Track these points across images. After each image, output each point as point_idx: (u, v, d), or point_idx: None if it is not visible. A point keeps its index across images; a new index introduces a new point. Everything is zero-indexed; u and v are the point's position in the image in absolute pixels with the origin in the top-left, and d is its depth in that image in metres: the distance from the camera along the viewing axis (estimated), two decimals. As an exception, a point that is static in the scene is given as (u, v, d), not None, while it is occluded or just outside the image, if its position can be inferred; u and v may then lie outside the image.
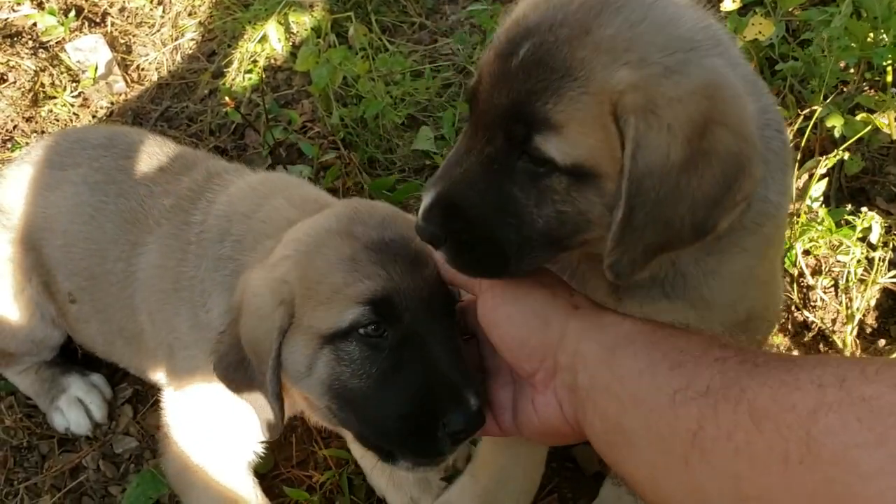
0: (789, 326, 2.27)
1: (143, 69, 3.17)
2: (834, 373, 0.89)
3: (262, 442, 1.87)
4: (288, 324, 1.39)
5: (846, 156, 2.33)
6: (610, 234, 1.18)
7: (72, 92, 3.06)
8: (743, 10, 2.75)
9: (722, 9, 2.65)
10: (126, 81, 3.09)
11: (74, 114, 3.01)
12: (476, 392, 1.34)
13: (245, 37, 3.12)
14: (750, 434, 0.91)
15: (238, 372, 1.47)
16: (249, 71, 3.01)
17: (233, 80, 3.00)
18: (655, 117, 1.12)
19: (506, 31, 1.23)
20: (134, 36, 3.27)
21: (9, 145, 2.93)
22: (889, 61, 2.50)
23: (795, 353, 2.21)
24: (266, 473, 2.02)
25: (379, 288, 1.34)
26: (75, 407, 2.19)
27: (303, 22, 3.09)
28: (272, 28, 3.02)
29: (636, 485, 1.15)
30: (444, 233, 1.24)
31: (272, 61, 3.08)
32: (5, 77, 3.10)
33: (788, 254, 2.34)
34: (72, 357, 2.27)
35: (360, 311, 1.34)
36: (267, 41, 3.04)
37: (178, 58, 3.18)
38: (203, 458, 1.82)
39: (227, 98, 2.70)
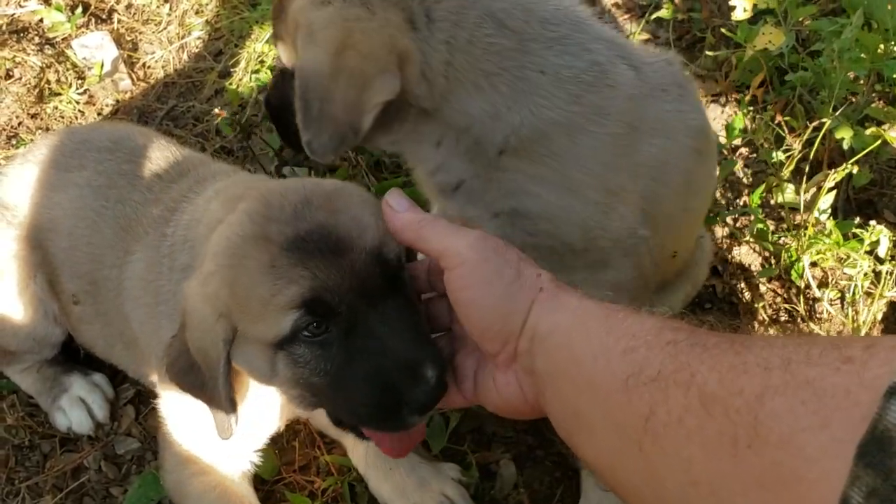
0: (795, 338, 2.26)
1: (149, 67, 3.15)
2: (780, 354, 0.89)
3: (260, 449, 1.88)
4: (232, 335, 1.37)
5: (855, 169, 2.32)
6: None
7: (77, 89, 3.05)
8: (753, 20, 2.74)
9: (733, 18, 2.64)
10: (132, 79, 3.08)
11: (80, 111, 3.00)
12: (433, 361, 1.33)
13: (252, 36, 3.11)
14: (700, 419, 0.92)
15: (189, 376, 1.47)
16: (256, 71, 3.00)
17: (239, 80, 2.99)
18: (311, 37, 1.58)
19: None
20: (140, 33, 3.26)
21: (13, 142, 2.92)
22: (901, 73, 2.49)
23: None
24: (268, 479, 2.00)
25: (305, 289, 1.30)
26: (77, 406, 2.18)
27: (311, 22, 3.08)
28: (280, 28, 3.00)
29: (596, 469, 1.16)
30: None
31: (279, 62, 3.06)
32: (11, 73, 3.10)
33: (795, 265, 2.34)
34: (74, 356, 2.26)
35: (294, 316, 1.31)
36: (274, 41, 3.02)
37: (185, 56, 3.17)
38: (200, 466, 1.81)
39: (217, 109, 2.68)
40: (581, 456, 1.20)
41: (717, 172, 2.08)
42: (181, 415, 1.79)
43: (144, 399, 2.22)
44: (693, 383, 0.94)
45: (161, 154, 2.02)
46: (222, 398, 1.42)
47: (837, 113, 2.42)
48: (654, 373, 1.00)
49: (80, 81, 3.07)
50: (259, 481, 1.99)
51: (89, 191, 1.97)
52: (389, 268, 1.37)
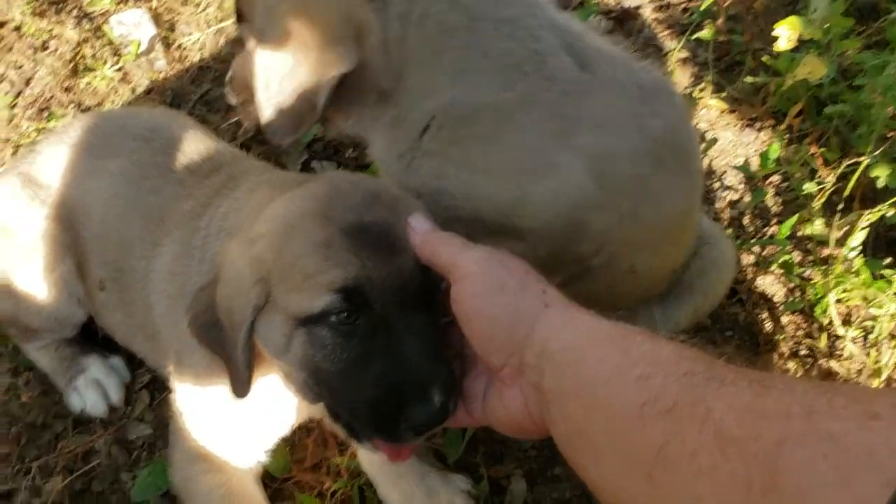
0: (814, 374, 2.25)
1: (185, 49, 3.14)
2: (801, 402, 0.87)
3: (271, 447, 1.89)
4: (264, 301, 1.38)
5: (890, 211, 2.30)
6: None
7: (112, 66, 3.04)
8: (796, 49, 2.71)
9: (775, 48, 2.61)
10: (167, 60, 3.08)
11: (113, 88, 3.00)
12: (443, 386, 1.33)
13: (290, 26, 3.09)
14: (714, 457, 0.91)
15: (210, 332, 1.49)
16: (292, 61, 2.98)
17: (274, 69, 2.98)
18: (269, 11, 1.56)
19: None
20: (178, 14, 3.25)
21: (45, 114, 2.92)
22: (943, 114, 2.46)
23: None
24: (278, 477, 2.01)
25: (350, 276, 1.32)
26: (93, 388, 2.19)
27: (349, 16, 3.06)
28: (318, 20, 2.99)
29: (597, 491, 1.14)
30: None
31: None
32: (47, 45, 3.09)
33: (820, 302, 2.32)
34: (92, 337, 2.26)
35: (330, 298, 1.32)
36: (312, 32, 3.01)
37: (222, 41, 3.16)
38: (208, 464, 1.82)
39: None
40: (583, 477, 1.18)
41: (697, 192, 1.95)
42: (195, 408, 1.79)
43: (159, 385, 2.23)
44: (709, 419, 0.93)
45: (195, 147, 2.02)
46: (240, 363, 1.43)
47: (877, 153, 2.39)
48: (670, 403, 0.99)
49: (115, 58, 3.07)
50: (269, 478, 1.99)
51: (122, 180, 1.98)
52: (430, 281, 1.37)
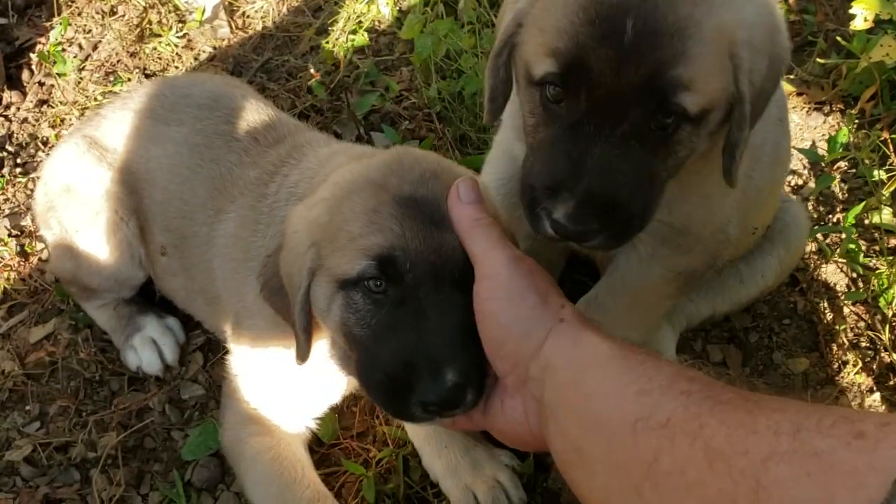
0: (874, 367, 2.18)
1: (248, 17, 3.17)
2: (791, 420, 0.88)
3: (319, 415, 1.91)
4: (316, 265, 1.42)
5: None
6: (736, 152, 1.43)
7: (177, 32, 3.09)
8: (871, 29, 2.62)
9: (851, 26, 2.52)
10: (231, 27, 3.10)
11: (177, 54, 3.04)
12: (460, 369, 1.32)
13: (353, -4, 3.10)
14: (702, 473, 0.91)
15: (278, 297, 1.54)
16: (353, 31, 2.99)
17: (336, 39, 2.99)
18: (753, 45, 1.35)
19: (589, 11, 1.29)
20: (244, -18, 3.28)
21: (111, 78, 2.97)
22: None
23: (876, 395, 2.13)
24: (325, 442, 2.03)
25: (387, 244, 1.34)
26: (149, 347, 2.23)
27: (413, -13, 3.05)
28: (381, -10, 2.99)
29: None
30: (601, 226, 1.37)
31: (377, 24, 3.05)
32: (115, 10, 3.15)
33: (885, 293, 2.24)
34: (150, 297, 2.31)
35: (366, 263, 1.35)
36: (374, 3, 3.01)
37: (284, 9, 3.18)
38: (258, 427, 1.85)
39: (313, 70, 2.68)
40: (576, 491, 1.19)
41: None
42: (251, 371, 1.82)
43: (213, 347, 2.27)
44: (700, 435, 0.94)
45: (258, 117, 2.04)
46: (298, 326, 1.47)
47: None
48: (665, 419, 1.00)
49: (180, 25, 3.11)
50: (316, 443, 2.01)
51: (186, 148, 2.01)
52: (468, 264, 1.36)
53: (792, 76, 2.79)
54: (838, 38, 2.72)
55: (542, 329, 1.24)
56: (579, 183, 1.34)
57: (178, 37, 3.07)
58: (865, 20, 2.50)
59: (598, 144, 1.34)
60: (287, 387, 1.78)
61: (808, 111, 2.74)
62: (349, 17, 3.01)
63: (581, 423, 1.14)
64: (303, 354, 1.52)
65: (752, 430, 0.90)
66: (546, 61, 1.34)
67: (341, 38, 2.97)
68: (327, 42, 2.97)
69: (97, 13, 3.17)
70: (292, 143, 1.93)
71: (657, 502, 0.97)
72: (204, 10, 3.08)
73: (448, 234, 1.36)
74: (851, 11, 2.50)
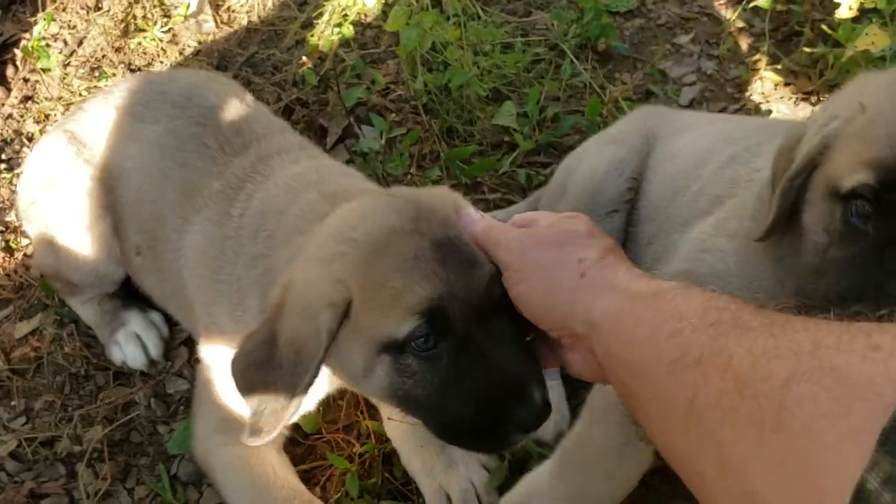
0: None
1: (233, 11, 3.16)
2: (812, 339, 0.89)
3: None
4: (338, 325, 1.34)
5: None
6: None
7: (162, 27, 3.08)
8: (857, 18, 2.61)
9: (836, 15, 2.52)
10: (216, 22, 3.10)
11: (162, 49, 3.03)
12: (539, 383, 1.34)
13: (338, -11, 3.09)
14: (734, 401, 0.93)
15: (258, 372, 1.42)
16: (339, 25, 2.98)
17: (321, 32, 2.98)
18: None
19: None
20: (229, -24, 3.26)
21: (96, 73, 2.96)
22: None
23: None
24: (310, 434, 2.02)
25: (435, 295, 1.30)
26: (133, 341, 2.22)
27: (398, -20, 3.04)
28: (366, -17, 2.98)
29: (659, 447, 1.17)
30: None
31: (362, 17, 3.04)
32: (100, 5, 3.14)
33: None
34: (134, 292, 2.30)
35: (415, 323, 1.30)
36: (360, -4, 3.00)
37: (270, 4, 3.17)
38: (229, 437, 1.81)
39: (305, 58, 2.68)
40: (648, 433, 1.21)
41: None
42: (223, 380, 1.77)
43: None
44: (730, 366, 0.95)
45: (229, 119, 1.98)
46: (299, 390, 1.37)
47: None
48: (698, 355, 1.01)
49: (165, 20, 3.11)
50: (302, 435, 2.01)
51: (158, 150, 1.98)
52: (503, 291, 1.36)
53: (779, 66, 2.79)
54: (824, 28, 2.72)
55: (567, 290, 1.27)
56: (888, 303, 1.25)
57: (163, 31, 3.06)
58: (850, 9, 2.50)
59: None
60: None
61: (795, 101, 2.74)
62: (334, 11, 3.00)
63: (628, 370, 1.16)
64: (283, 422, 1.42)
65: (775, 354, 0.91)
66: (862, 173, 1.28)
67: (327, 32, 2.97)
68: (313, 35, 2.97)
69: (82, 8, 3.16)
70: (258, 153, 1.88)
71: (700, 435, 0.99)
72: (189, 5, 3.07)
73: (482, 269, 1.35)
74: (836, 0, 2.50)
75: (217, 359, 1.80)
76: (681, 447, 1.06)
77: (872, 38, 2.49)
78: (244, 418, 1.76)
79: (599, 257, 1.30)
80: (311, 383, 1.37)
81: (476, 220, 1.43)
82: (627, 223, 2.02)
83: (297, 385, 1.37)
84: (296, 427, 1.98)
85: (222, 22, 3.12)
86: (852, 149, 1.31)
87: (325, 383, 1.80)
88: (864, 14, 2.65)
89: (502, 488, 1.91)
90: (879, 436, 0.74)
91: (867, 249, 1.29)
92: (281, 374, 1.39)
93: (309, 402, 1.85)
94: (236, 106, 2.05)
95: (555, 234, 1.36)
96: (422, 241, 1.33)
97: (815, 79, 2.75)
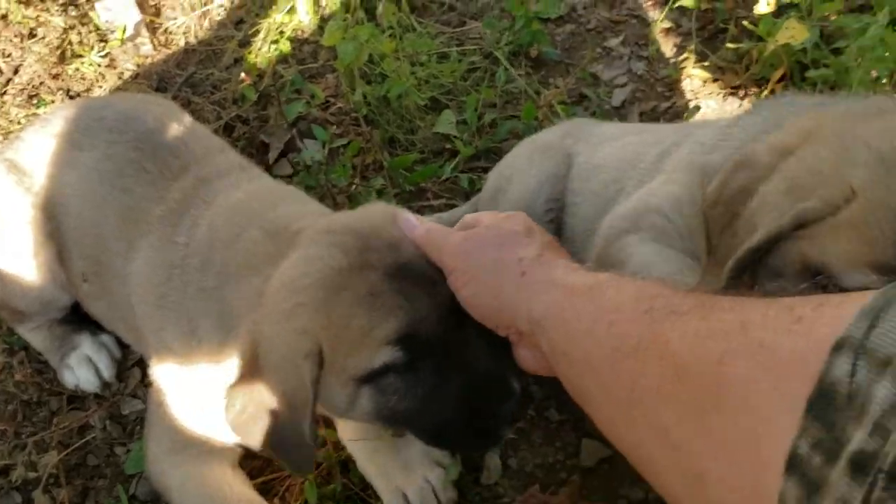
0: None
1: (170, 33, 3.18)
2: (739, 318, 0.93)
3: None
4: (318, 373, 1.36)
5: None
6: None
7: (99, 52, 3.08)
8: (777, 13, 2.72)
9: (755, 11, 2.62)
10: (153, 44, 3.11)
11: (101, 73, 3.03)
12: (515, 373, 1.40)
13: (273, 7, 3.12)
14: (674, 385, 0.96)
15: (257, 424, 1.45)
16: (276, 42, 3.01)
17: (259, 49, 3.01)
18: None
19: None
20: (164, -1, 3.28)
21: (34, 101, 2.95)
22: (921, 75, 2.47)
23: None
24: (266, 447, 2.04)
25: (404, 324, 1.33)
26: (85, 365, 2.22)
27: (332, -4, 3.09)
28: (301, 0, 3.02)
29: (610, 440, 1.20)
30: None
31: (299, 33, 3.08)
32: (34, 32, 3.13)
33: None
34: (84, 316, 2.30)
35: (389, 352, 1.34)
36: (295, 13, 3.04)
37: (206, 24, 3.19)
38: (182, 457, 1.83)
39: (243, 74, 2.70)
40: (597, 425, 1.25)
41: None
42: (174, 402, 1.81)
43: (150, 362, 2.27)
44: (667, 351, 0.99)
45: (167, 141, 1.99)
46: (307, 438, 1.40)
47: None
48: (635, 343, 1.04)
49: (101, 44, 3.10)
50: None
51: (97, 175, 1.98)
52: None
53: (706, 64, 2.89)
54: (747, 24, 2.82)
55: (510, 290, 1.31)
56: None
57: (100, 56, 3.06)
58: (768, 4, 2.60)
59: None
60: (213, 413, 1.72)
61: (724, 96, 2.83)
62: (270, 28, 3.03)
63: (572, 363, 1.20)
64: (308, 465, 1.48)
65: (708, 335, 0.95)
66: (867, 275, 1.19)
67: (264, 49, 3.00)
68: (250, 53, 2.99)
69: (16, 36, 3.14)
70: (197, 176, 1.89)
71: (644, 422, 1.02)
72: (125, 29, 3.07)
73: (442, 287, 1.38)
74: (755, -3, 2.60)
75: (169, 380, 1.81)
76: (628, 435, 1.09)
77: (792, 32, 2.58)
78: (197, 437, 1.82)
79: (538, 254, 1.34)
80: (313, 433, 1.40)
81: (415, 226, 1.46)
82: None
83: (303, 435, 1.40)
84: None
85: (160, 44, 3.13)
86: (850, 243, 1.21)
87: None
88: (783, 9, 2.75)
89: (458, 483, 1.97)
90: (806, 403, 0.78)
91: None
92: (285, 424, 1.42)
93: None
94: (174, 128, 2.05)
95: (494, 234, 1.40)
96: (373, 274, 1.35)
97: (741, 73, 2.85)
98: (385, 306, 1.33)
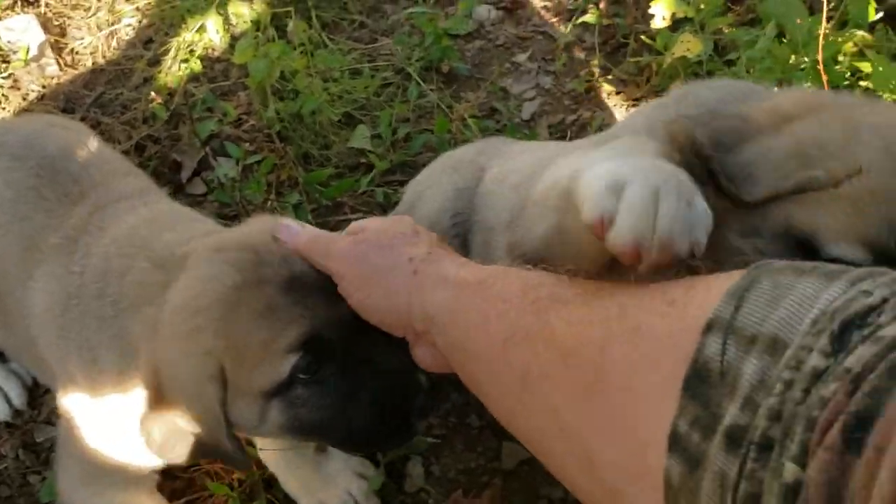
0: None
1: (77, 53, 3.12)
2: (618, 303, 0.98)
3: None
4: (223, 394, 1.36)
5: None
6: None
7: (2, 73, 3.00)
8: (673, 27, 2.85)
9: (652, 26, 2.74)
10: (59, 65, 3.05)
11: (4, 95, 2.95)
12: (419, 368, 1.40)
13: (183, 25, 3.10)
14: (561, 370, 1.00)
15: (179, 446, 1.45)
16: (186, 60, 2.99)
17: (169, 68, 2.98)
18: None
19: None
20: (69, 18, 3.22)
21: (-66, 124, 2.86)
22: (808, 84, 2.62)
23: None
24: (187, 467, 2.02)
25: (305, 329, 1.34)
26: (-7, 393, 2.17)
27: (242, 14, 3.08)
28: (211, 18, 3.01)
29: (506, 428, 1.23)
30: None
31: (210, 52, 3.07)
32: (-68, 54, 3.03)
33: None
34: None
35: (294, 359, 1.34)
36: (205, 31, 3.02)
37: (114, 43, 3.14)
38: (95, 489, 1.80)
39: (153, 93, 2.68)
40: (495, 417, 1.28)
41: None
42: (83, 432, 1.76)
43: (64, 387, 2.22)
44: (553, 338, 1.03)
45: (68, 167, 1.93)
46: (232, 450, 1.40)
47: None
48: (525, 333, 1.09)
49: (4, 65, 3.03)
50: (179, 469, 2.00)
51: None
52: None
53: (610, 77, 3.00)
54: (645, 38, 2.94)
55: (403, 291, 1.32)
56: None
57: (3, 78, 2.99)
58: (664, 19, 2.72)
59: None
60: (124, 442, 1.71)
61: (627, 108, 2.94)
62: (180, 47, 3.01)
63: (466, 356, 1.23)
64: (245, 465, 1.51)
65: (589, 321, 0.99)
66: (856, 249, 1.19)
67: (174, 68, 2.97)
68: (161, 72, 2.97)
69: (-87, 58, 3.05)
70: (95, 203, 1.83)
71: (534, 406, 1.06)
72: (28, 49, 3.01)
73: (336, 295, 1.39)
74: (651, 11, 2.72)
75: (78, 410, 1.76)
76: (522, 422, 1.13)
77: (687, 45, 2.72)
78: (111, 466, 1.77)
79: (427, 252, 1.36)
80: (240, 448, 1.42)
81: (298, 233, 1.46)
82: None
83: (226, 450, 1.41)
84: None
85: (66, 64, 3.07)
86: (846, 216, 1.22)
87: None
88: (678, 23, 2.88)
89: (382, 492, 1.99)
90: (683, 383, 0.83)
91: None
92: (211, 448, 1.44)
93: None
94: (77, 153, 1.98)
95: (383, 237, 1.40)
96: (269, 288, 1.36)
97: (642, 86, 2.97)
98: (285, 317, 1.34)
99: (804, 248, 1.23)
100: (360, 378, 1.41)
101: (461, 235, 2.05)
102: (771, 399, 0.75)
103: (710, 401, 0.80)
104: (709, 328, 0.84)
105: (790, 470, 0.71)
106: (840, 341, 0.74)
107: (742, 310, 0.83)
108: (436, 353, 1.34)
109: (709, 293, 0.88)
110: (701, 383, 0.82)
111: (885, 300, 0.76)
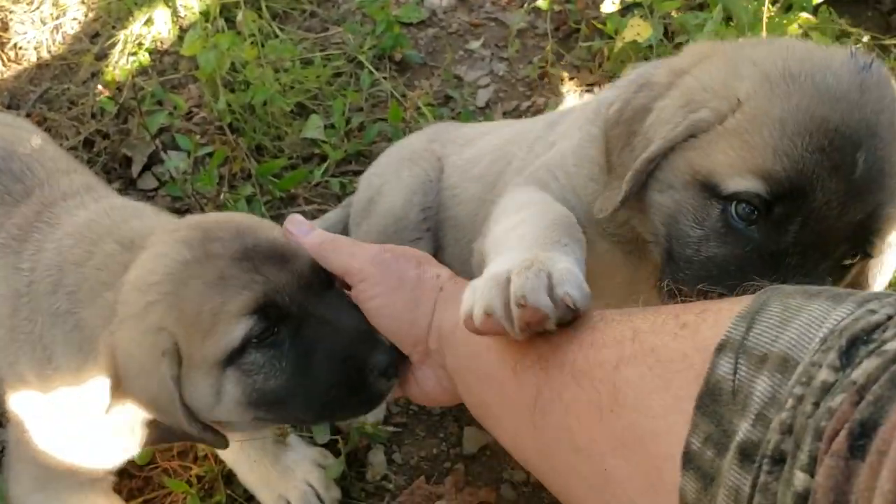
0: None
1: (21, 48, 3.05)
2: (630, 327, 1.01)
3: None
4: (178, 369, 1.35)
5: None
6: None
7: (-58, 69, 2.93)
8: (623, 12, 2.87)
9: (602, 11, 2.75)
10: (2, 61, 2.97)
11: (-55, 92, 2.88)
12: (380, 335, 1.40)
13: (130, 18, 3.04)
14: (574, 391, 1.03)
15: (144, 434, 1.46)
16: (134, 53, 2.94)
17: (116, 62, 2.93)
18: None
19: (818, 138, 1.19)
20: (11, 12, 3.14)
21: None
22: (755, 66, 2.66)
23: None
24: (144, 465, 2.00)
25: (259, 294, 1.34)
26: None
27: (191, 6, 3.04)
28: (159, 10, 2.96)
29: (509, 451, 1.27)
30: None
31: (158, 44, 3.02)
32: None
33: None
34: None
35: (247, 322, 1.33)
36: (153, 23, 2.98)
37: (60, 38, 3.08)
38: (47, 494, 1.76)
39: (100, 87, 2.63)
40: (496, 438, 1.31)
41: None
42: (37, 429, 1.71)
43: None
44: (567, 362, 1.05)
45: (10, 166, 1.87)
46: (197, 432, 1.39)
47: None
48: (536, 357, 1.11)
49: (-56, 62, 2.95)
50: (136, 468, 1.98)
51: None
52: (327, 274, 1.43)
53: (563, 63, 3.01)
54: (596, 23, 2.96)
55: (428, 304, 1.34)
56: None
57: (-57, 74, 2.92)
58: (614, 3, 2.74)
59: (800, 279, 1.21)
60: (79, 442, 1.68)
61: (580, 94, 2.95)
62: (128, 40, 2.96)
63: (477, 378, 1.25)
64: (220, 442, 1.47)
65: (603, 345, 1.02)
66: (750, 180, 1.21)
67: (122, 61, 2.92)
68: (108, 66, 2.91)
69: None
70: (41, 200, 1.79)
71: (547, 428, 1.08)
72: (-31, 45, 2.94)
73: (298, 261, 1.40)
74: (602, -3, 2.74)
75: (29, 413, 1.71)
76: (531, 443, 1.14)
77: (637, 30, 2.74)
78: (64, 469, 1.72)
79: (451, 274, 1.40)
80: (196, 423, 1.40)
81: (306, 232, 1.48)
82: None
83: (205, 438, 1.41)
84: (129, 461, 1.94)
85: (9, 60, 3.00)
86: (734, 150, 1.24)
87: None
88: (628, 8, 2.90)
89: (343, 481, 1.99)
90: (696, 401, 0.86)
91: (753, 254, 1.25)
92: (176, 431, 1.42)
93: (130, 447, 1.74)
94: (19, 150, 1.93)
95: (409, 252, 1.44)
96: (220, 261, 1.35)
97: (595, 70, 2.98)
98: (236, 284, 1.33)
99: (710, 190, 1.26)
100: (316, 337, 1.39)
101: (432, 230, 2.06)
102: (783, 414, 0.78)
103: (723, 418, 0.83)
104: (721, 349, 0.86)
105: (800, 478, 0.74)
106: (847, 356, 0.77)
107: (753, 331, 0.86)
108: (441, 376, 1.36)
109: (720, 316, 0.91)
110: (713, 401, 0.84)
111: (889, 317, 0.79)
